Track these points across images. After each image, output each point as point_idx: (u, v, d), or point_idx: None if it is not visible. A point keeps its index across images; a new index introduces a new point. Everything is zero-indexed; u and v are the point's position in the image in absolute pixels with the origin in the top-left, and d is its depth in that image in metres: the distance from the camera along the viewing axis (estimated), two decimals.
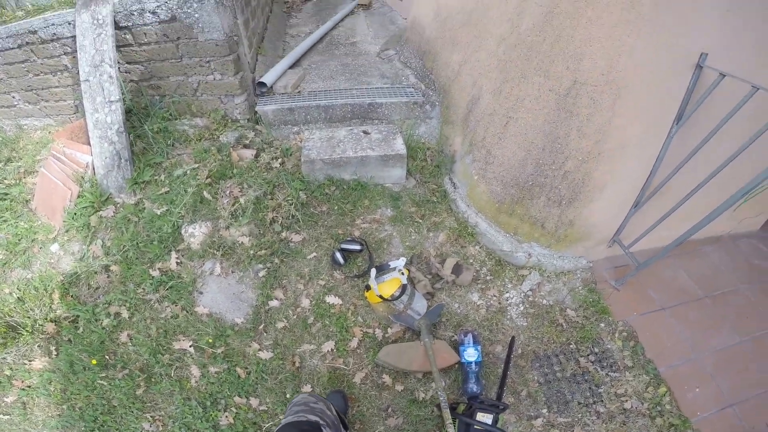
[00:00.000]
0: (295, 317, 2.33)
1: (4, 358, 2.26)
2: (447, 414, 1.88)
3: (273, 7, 5.54)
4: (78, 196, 2.56)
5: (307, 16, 5.69)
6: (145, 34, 2.64)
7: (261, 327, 2.30)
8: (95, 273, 2.41)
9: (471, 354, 2.18)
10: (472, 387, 2.12)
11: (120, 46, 2.68)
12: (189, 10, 2.53)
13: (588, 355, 2.38)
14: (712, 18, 1.77)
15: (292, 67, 3.56)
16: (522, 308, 2.51)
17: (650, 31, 1.78)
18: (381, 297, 2.28)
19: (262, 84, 3.06)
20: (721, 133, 1.83)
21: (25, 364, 2.25)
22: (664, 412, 2.19)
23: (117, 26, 2.60)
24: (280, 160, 2.80)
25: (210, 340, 2.22)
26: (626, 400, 2.22)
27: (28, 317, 2.28)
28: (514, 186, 2.46)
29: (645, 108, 2.00)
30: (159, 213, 2.51)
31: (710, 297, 2.69)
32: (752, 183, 1.67)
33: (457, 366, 2.23)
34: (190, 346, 2.21)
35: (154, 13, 2.55)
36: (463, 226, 2.73)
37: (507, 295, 2.54)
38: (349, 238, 2.57)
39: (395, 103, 3.09)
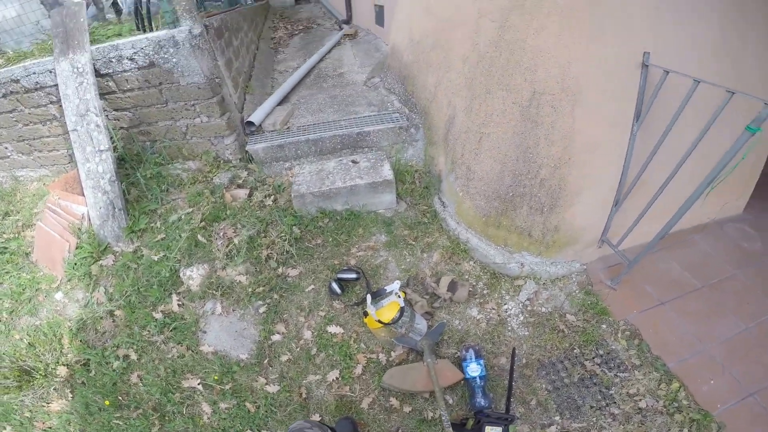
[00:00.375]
0: (298, 349, 2.42)
1: (22, 401, 2.37)
2: None
3: (260, 44, 5.81)
4: (76, 247, 2.68)
5: (295, 50, 5.95)
6: (126, 80, 2.73)
7: (266, 361, 2.39)
8: (101, 318, 2.53)
9: (474, 369, 2.23)
10: (480, 401, 2.16)
11: (104, 94, 2.77)
12: (166, 56, 2.64)
13: (593, 357, 2.40)
14: (646, 18, 1.90)
15: (280, 103, 3.73)
16: (522, 318, 2.56)
17: (592, 36, 1.92)
18: (380, 322, 2.37)
19: (251, 123, 3.21)
20: (682, 127, 1.93)
21: (44, 406, 2.36)
22: (682, 408, 2.18)
23: (98, 74, 2.68)
24: (272, 197, 2.94)
25: (216, 378, 2.31)
26: (640, 400, 2.22)
27: (40, 361, 2.40)
28: (496, 199, 2.56)
29: (604, 110, 2.11)
30: (156, 259, 2.64)
31: (707, 286, 2.71)
32: (714, 172, 1.76)
33: (463, 382, 2.28)
34: (199, 384, 2.30)
35: (132, 59, 2.64)
36: (456, 244, 2.83)
37: (505, 306, 2.60)
38: (345, 268, 2.67)
39: (382, 130, 3.23)
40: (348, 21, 6.98)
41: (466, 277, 2.71)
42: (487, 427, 1.98)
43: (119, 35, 2.96)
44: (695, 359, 2.37)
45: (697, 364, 2.35)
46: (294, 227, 2.80)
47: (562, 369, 2.37)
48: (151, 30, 2.89)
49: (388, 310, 2.43)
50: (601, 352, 2.42)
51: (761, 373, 2.31)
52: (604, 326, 2.51)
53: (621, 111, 2.12)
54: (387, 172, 2.95)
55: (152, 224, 2.78)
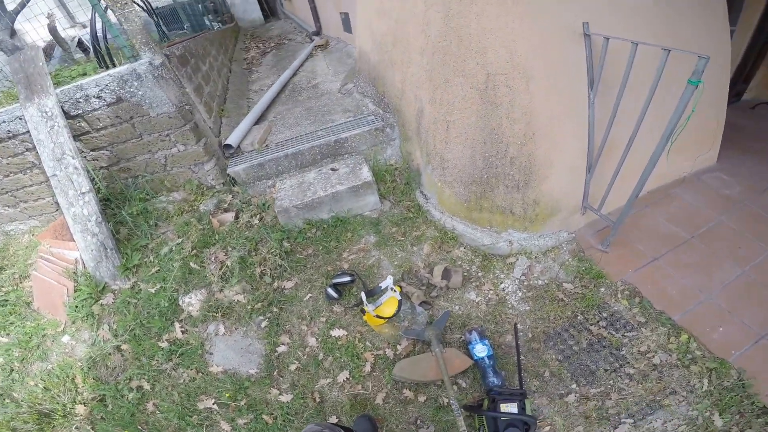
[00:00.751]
0: (305, 357, 2.51)
1: None
2: (461, 422, 2.00)
3: (232, 66, 5.96)
4: (75, 290, 2.78)
5: (268, 68, 6.10)
6: (98, 119, 2.80)
7: (275, 373, 2.49)
8: (109, 354, 2.63)
9: (480, 350, 2.30)
10: (492, 380, 2.23)
11: (79, 135, 2.84)
12: (131, 89, 2.73)
13: (598, 321, 2.45)
14: None
15: (257, 122, 3.85)
16: (520, 294, 2.64)
17: (530, 13, 2.02)
18: (381, 317, 2.48)
19: (229, 146, 3.33)
20: (636, 90, 2.02)
21: None
22: (697, 359, 2.21)
23: (69, 115, 2.74)
24: (258, 216, 3.05)
25: (230, 395, 2.41)
26: (652, 356, 2.26)
27: (57, 403, 2.50)
28: (472, 183, 2.66)
29: (558, 83, 2.21)
30: (154, 291, 2.75)
31: (696, 236, 2.77)
32: (669, 127, 1.85)
33: (473, 366, 2.34)
34: (214, 404, 2.40)
35: (99, 97, 2.71)
36: (443, 233, 2.93)
37: (502, 285, 2.69)
38: (339, 273, 2.77)
39: (359, 134, 3.34)
40: (318, 32, 7.14)
41: (459, 263, 2.80)
42: (501, 404, 2.03)
43: (84, 75, 3.04)
44: (700, 309, 2.39)
45: (702, 313, 2.37)
46: (283, 241, 2.91)
47: (568, 337, 2.42)
48: (114, 66, 2.97)
49: (387, 306, 2.54)
50: (604, 314, 2.46)
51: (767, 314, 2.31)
52: (602, 289, 2.57)
53: (575, 81, 2.21)
54: (366, 174, 3.06)
55: (145, 259, 2.89)
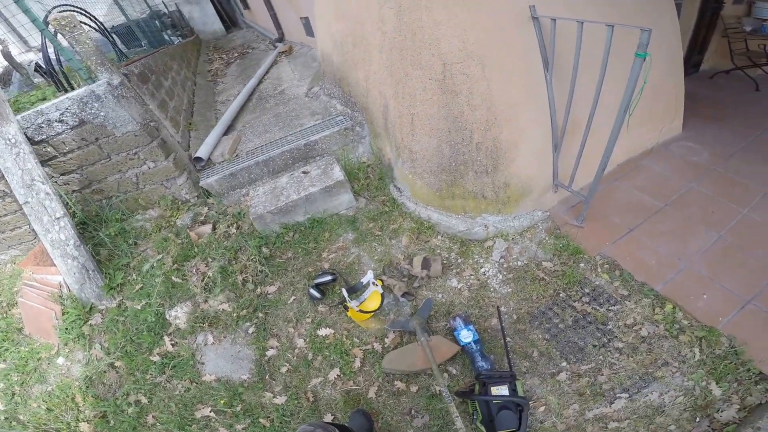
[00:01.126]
0: (295, 358, 2.59)
1: None
2: (452, 408, 2.05)
3: (196, 79, 6.00)
4: (63, 313, 2.84)
5: (233, 78, 6.15)
6: (63, 143, 2.82)
7: (267, 376, 2.56)
8: (104, 372, 2.69)
9: (466, 335, 2.38)
10: (481, 364, 2.30)
11: (47, 160, 2.86)
12: (93, 111, 2.76)
13: (581, 297, 2.52)
14: None
15: (226, 133, 3.92)
16: (500, 277, 2.74)
17: (477, 1, 2.14)
18: (363, 312, 2.57)
19: (199, 159, 3.39)
20: (590, 67, 2.13)
21: None
22: (684, 328, 2.27)
23: (33, 141, 2.75)
24: (235, 225, 3.12)
25: (225, 402, 2.48)
26: (639, 328, 2.32)
27: (62, 422, 2.57)
28: (442, 172, 2.77)
29: (513, 67, 2.33)
30: (140, 308, 2.81)
31: (669, 204, 2.87)
32: (625, 100, 1.97)
33: (461, 352, 2.42)
34: (211, 412, 2.46)
35: (61, 121, 2.74)
36: (420, 224, 3.03)
37: (482, 270, 2.79)
38: (320, 273, 2.85)
39: (329, 135, 3.43)
40: (281, 39, 7.22)
41: (438, 251, 2.90)
42: (492, 388, 2.09)
43: (44, 99, 3.09)
44: (681, 277, 2.45)
45: (684, 281, 2.43)
46: (262, 248, 2.98)
47: (553, 316, 2.49)
48: (72, 89, 3.00)
49: (371, 300, 2.63)
50: (586, 290, 2.53)
51: (750, 277, 2.40)
52: (582, 265, 2.65)
53: (529, 64, 2.34)
54: (338, 173, 3.14)
55: (128, 277, 2.95)
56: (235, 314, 2.76)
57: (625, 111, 2.02)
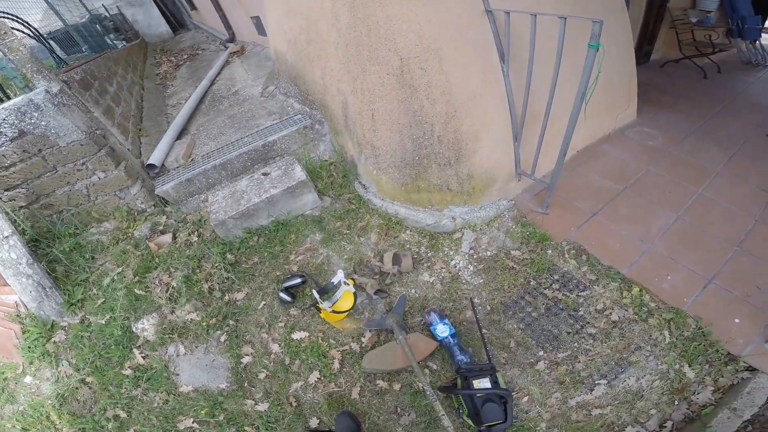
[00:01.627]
0: (272, 364, 2.59)
1: None
2: (438, 406, 2.12)
3: (144, 83, 5.84)
4: (23, 332, 2.76)
5: (183, 80, 6.02)
6: (4, 156, 2.70)
7: (246, 384, 2.55)
8: (76, 389, 2.63)
9: (442, 330, 2.44)
10: (460, 358, 2.35)
11: None
12: (33, 121, 2.65)
13: (551, 284, 2.62)
14: None
15: (179, 137, 3.84)
16: (471, 268, 2.83)
17: None
18: (337, 312, 2.60)
19: (152, 166, 3.31)
20: (546, 59, 2.24)
21: None
22: (652, 311, 2.39)
23: None
24: (196, 233, 3.08)
25: (205, 412, 2.47)
26: (610, 313, 2.43)
27: None
28: (406, 166, 2.85)
29: (469, 60, 2.42)
30: (104, 322, 2.76)
31: (629, 187, 3.05)
32: (581, 89, 2.09)
33: (440, 347, 2.48)
34: (193, 423, 2.44)
35: None
36: (388, 219, 3.09)
37: (453, 262, 2.87)
38: (288, 276, 2.86)
39: (287, 135, 3.44)
40: (232, 39, 7.13)
41: (408, 246, 2.97)
42: (473, 381, 2.15)
43: None
44: (644, 259, 2.60)
45: (647, 263, 2.58)
46: (226, 254, 2.96)
47: (526, 304, 2.58)
48: (8, 98, 2.88)
49: (344, 300, 2.66)
50: (555, 276, 2.64)
51: (709, 256, 2.56)
52: (549, 251, 2.77)
53: (486, 56, 2.44)
54: (299, 173, 3.16)
55: (89, 292, 2.88)
56: (204, 323, 2.74)
57: (582, 99, 2.13)
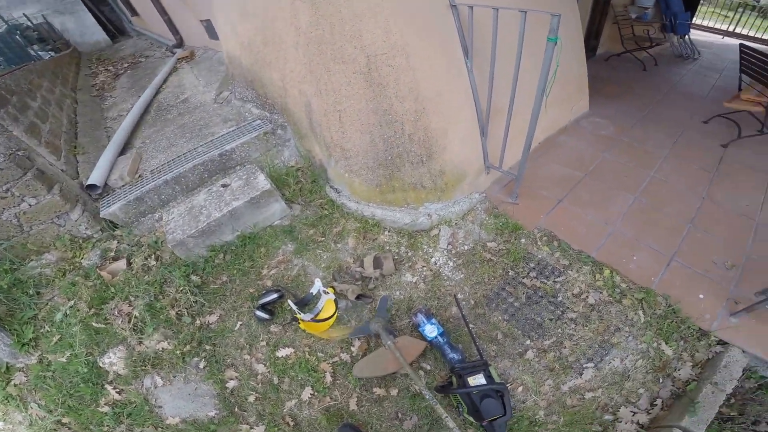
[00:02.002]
0: (260, 385, 2.41)
1: None
2: (439, 410, 2.04)
3: (78, 96, 5.27)
4: None
5: (124, 91, 5.52)
6: None
7: (236, 409, 2.36)
8: (54, 430, 2.40)
9: (431, 330, 2.37)
10: (452, 356, 2.29)
11: None
12: None
13: (528, 273, 2.65)
14: None
15: (122, 152, 3.48)
16: (451, 264, 2.78)
17: None
18: (317, 321, 2.45)
19: (93, 186, 2.95)
20: (508, 53, 2.20)
21: None
22: (625, 291, 2.45)
23: None
24: (153, 256, 2.79)
25: None
26: (586, 297, 2.48)
27: None
28: (379, 166, 2.75)
29: (435, 56, 2.35)
30: (66, 360, 2.48)
31: (588, 174, 3.19)
32: (541, 83, 2.07)
33: (429, 347, 2.40)
34: None
35: None
36: (364, 222, 2.97)
37: (433, 259, 2.80)
38: (264, 292, 2.66)
39: (247, 142, 3.21)
40: (180, 44, 6.67)
41: (387, 248, 2.87)
42: (468, 378, 2.11)
43: None
44: (610, 242, 2.70)
45: (614, 245, 2.68)
46: (190, 276, 2.72)
47: (507, 295, 2.59)
48: None
49: (325, 310, 2.52)
50: (531, 265, 2.68)
51: (667, 235, 2.70)
52: (523, 240, 2.80)
53: (450, 51, 2.38)
54: (263, 182, 2.94)
55: (41, 330, 2.56)
56: (178, 351, 2.50)
57: (543, 92, 2.13)
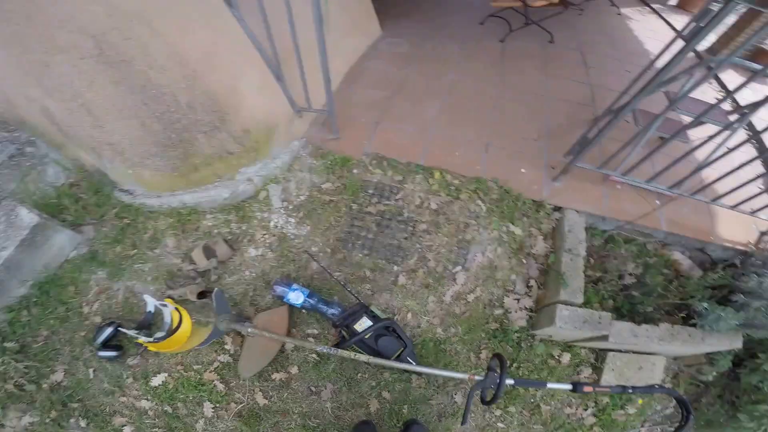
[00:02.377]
0: (158, 420, 2.14)
1: None
2: (344, 353, 1.84)
3: None
4: None
5: None
6: None
7: None
8: None
9: (296, 297, 2.21)
10: (332, 312, 2.19)
11: None
12: None
13: (370, 200, 2.62)
14: None
15: None
16: (293, 220, 2.60)
17: None
18: (164, 339, 2.05)
19: None
20: None
21: None
22: (459, 187, 2.52)
23: None
24: None
25: None
26: (428, 203, 2.54)
27: None
28: (166, 149, 2.36)
29: (187, 12, 1.96)
30: None
31: (396, 92, 3.32)
32: (316, 13, 1.90)
33: (303, 311, 2.29)
34: None
35: None
36: (176, 215, 2.60)
37: (272, 223, 2.59)
38: (96, 331, 2.25)
39: None
40: None
41: (216, 232, 2.56)
42: (354, 326, 2.06)
43: None
44: (432, 146, 2.83)
45: (436, 148, 2.81)
46: (4, 344, 2.21)
47: (359, 230, 2.55)
48: None
49: (176, 321, 2.10)
50: (370, 191, 2.67)
51: (478, 125, 2.95)
52: (355, 170, 2.74)
53: (209, 4, 1.97)
54: (27, 217, 2.33)
55: None
56: (48, 419, 2.14)
57: (321, 23, 1.98)
